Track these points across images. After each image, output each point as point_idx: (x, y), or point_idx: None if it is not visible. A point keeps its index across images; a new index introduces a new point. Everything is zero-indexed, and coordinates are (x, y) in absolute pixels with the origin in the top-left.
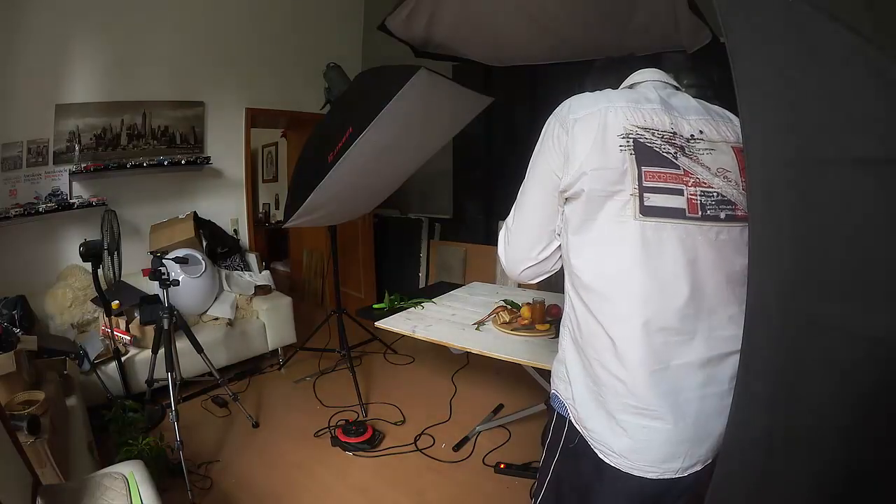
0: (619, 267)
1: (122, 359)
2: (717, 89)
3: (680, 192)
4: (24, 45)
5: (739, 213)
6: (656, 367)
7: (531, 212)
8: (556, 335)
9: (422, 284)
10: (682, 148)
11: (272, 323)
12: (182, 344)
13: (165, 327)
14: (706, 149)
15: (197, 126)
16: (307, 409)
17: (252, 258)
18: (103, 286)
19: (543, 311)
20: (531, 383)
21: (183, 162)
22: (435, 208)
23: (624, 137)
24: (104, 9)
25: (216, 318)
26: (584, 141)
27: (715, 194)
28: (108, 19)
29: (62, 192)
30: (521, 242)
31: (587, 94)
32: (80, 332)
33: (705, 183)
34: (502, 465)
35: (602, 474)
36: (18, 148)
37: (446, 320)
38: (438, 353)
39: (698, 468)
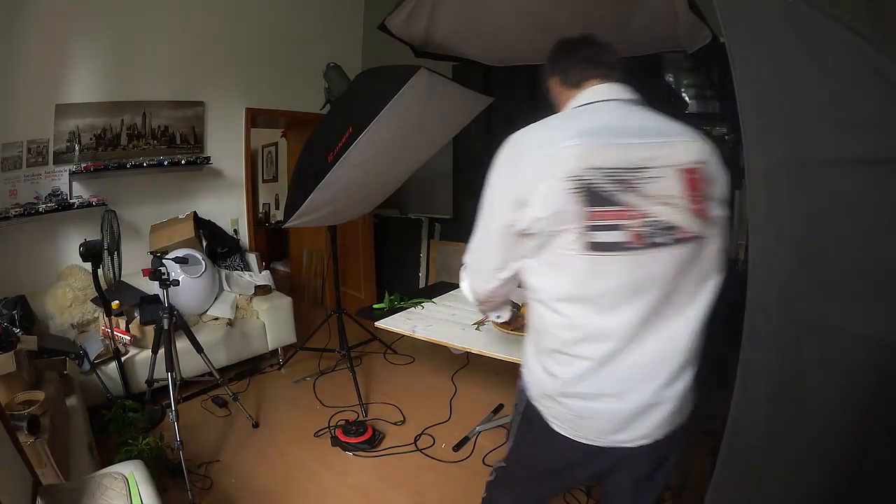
0: (567, 289)
1: (122, 359)
2: (717, 89)
3: (624, 228)
4: (24, 45)
5: (684, 235)
6: (597, 366)
7: (490, 250)
8: None
9: (422, 284)
10: (627, 181)
11: (272, 323)
12: (182, 344)
13: (165, 327)
14: (651, 177)
15: (197, 126)
16: (307, 409)
17: (252, 258)
18: (103, 286)
19: None
20: None
21: (183, 162)
22: (435, 208)
23: (572, 180)
24: (104, 9)
25: (216, 318)
26: (534, 187)
27: (658, 222)
28: (108, 19)
29: (62, 192)
30: (483, 268)
31: (534, 129)
32: (80, 332)
33: (648, 214)
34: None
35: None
36: (18, 148)
37: (446, 320)
38: (438, 353)
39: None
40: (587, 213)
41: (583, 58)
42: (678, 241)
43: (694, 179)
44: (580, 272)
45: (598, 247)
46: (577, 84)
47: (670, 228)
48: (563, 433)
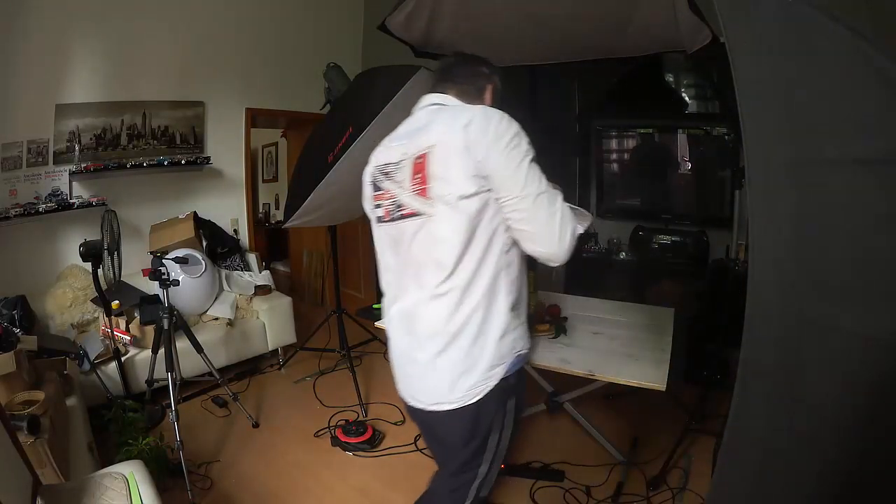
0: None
1: (122, 359)
2: (717, 89)
3: (382, 207)
4: (24, 45)
5: (407, 211)
6: (394, 320)
7: None
8: (556, 335)
9: None
10: (388, 173)
11: (272, 323)
12: (182, 344)
13: (165, 327)
14: (399, 168)
15: (197, 126)
16: (307, 409)
17: (252, 258)
18: (103, 286)
19: (543, 311)
20: (531, 383)
21: (183, 162)
22: None
23: (370, 174)
24: (104, 9)
25: (216, 318)
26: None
27: (395, 202)
28: (108, 19)
29: (62, 192)
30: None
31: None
32: (80, 332)
33: (393, 195)
34: (502, 465)
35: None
36: (18, 148)
37: None
38: None
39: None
40: (372, 195)
41: (436, 70)
42: (404, 216)
43: (419, 164)
44: (375, 239)
45: (376, 220)
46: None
47: (400, 206)
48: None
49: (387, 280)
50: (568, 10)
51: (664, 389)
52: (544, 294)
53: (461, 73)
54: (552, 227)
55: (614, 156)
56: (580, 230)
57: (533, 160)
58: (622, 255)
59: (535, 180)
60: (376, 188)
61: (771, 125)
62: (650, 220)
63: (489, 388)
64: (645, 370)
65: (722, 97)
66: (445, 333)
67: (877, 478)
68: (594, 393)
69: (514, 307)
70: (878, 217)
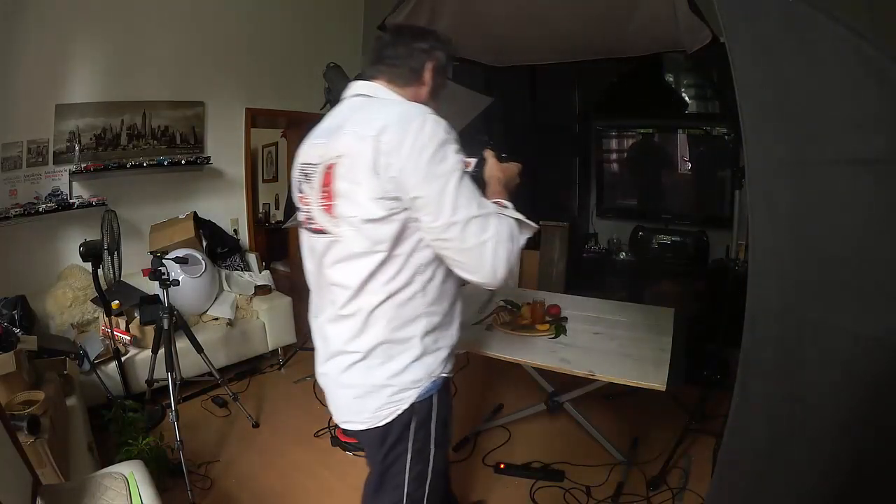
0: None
1: (122, 359)
2: (717, 89)
3: (303, 211)
4: (24, 45)
5: (316, 226)
6: (314, 324)
7: None
8: (556, 335)
9: None
10: (307, 174)
11: (272, 323)
12: (182, 344)
13: (165, 327)
14: (314, 172)
15: (197, 126)
16: (307, 409)
17: (252, 258)
18: (103, 286)
19: (543, 311)
20: (531, 383)
21: (183, 162)
22: None
23: (296, 172)
24: (104, 9)
25: (216, 318)
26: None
27: (309, 214)
28: (108, 19)
29: (62, 192)
30: None
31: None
32: (80, 332)
33: (308, 204)
34: (502, 465)
35: None
36: (18, 148)
37: None
38: None
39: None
40: (297, 196)
41: (370, 51)
42: (315, 231)
43: (327, 176)
44: (303, 240)
45: (302, 223)
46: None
47: (311, 219)
48: None
49: (310, 284)
50: (568, 10)
51: (664, 389)
52: (544, 294)
53: (393, 54)
54: (483, 258)
55: (614, 156)
56: (522, 242)
57: (464, 176)
58: (622, 255)
59: (465, 203)
60: (299, 189)
61: (771, 125)
62: (650, 220)
63: (399, 412)
64: (645, 370)
65: (722, 97)
66: (348, 354)
67: (877, 477)
68: (594, 393)
69: (430, 331)
70: (878, 217)
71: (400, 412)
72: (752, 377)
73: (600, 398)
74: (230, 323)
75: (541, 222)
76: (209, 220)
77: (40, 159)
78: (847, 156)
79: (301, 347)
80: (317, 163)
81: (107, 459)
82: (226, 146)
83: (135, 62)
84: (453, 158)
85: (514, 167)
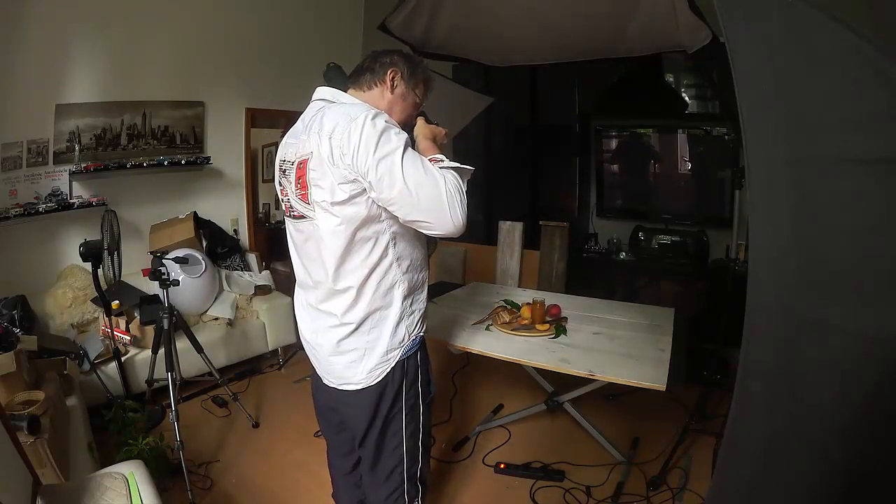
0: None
1: (122, 359)
2: (717, 89)
3: (284, 202)
4: (24, 45)
5: (297, 213)
6: (301, 308)
7: None
8: (556, 335)
9: None
10: (284, 171)
11: (272, 323)
12: (182, 344)
13: (165, 327)
14: (291, 168)
15: (197, 126)
16: (307, 408)
17: (252, 258)
18: (103, 286)
19: (543, 311)
20: (531, 383)
21: (183, 162)
22: None
23: (276, 167)
24: (104, 9)
25: (216, 318)
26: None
27: (290, 203)
28: (108, 19)
29: (62, 192)
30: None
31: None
32: (80, 332)
33: (287, 195)
34: (502, 465)
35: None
36: (18, 148)
37: (446, 320)
38: (438, 353)
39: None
40: (278, 189)
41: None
42: (295, 217)
43: (300, 170)
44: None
45: (285, 212)
46: None
47: (292, 208)
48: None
49: (296, 265)
50: (568, 10)
51: (664, 389)
52: (544, 294)
53: (360, 67)
54: (442, 210)
55: (614, 156)
56: (464, 185)
57: (406, 149)
58: (622, 255)
59: (412, 172)
60: (279, 183)
61: (771, 125)
62: (650, 220)
63: (389, 369)
64: (645, 370)
65: (722, 97)
66: (345, 325)
67: (877, 478)
68: (594, 393)
69: (408, 295)
70: (878, 217)
71: (390, 369)
72: (752, 377)
73: (600, 398)
74: (230, 323)
75: (541, 222)
76: (209, 220)
77: (40, 159)
78: (847, 156)
79: (301, 347)
80: (292, 160)
81: (107, 459)
82: (226, 146)
83: (135, 62)
84: (396, 139)
85: (440, 129)
